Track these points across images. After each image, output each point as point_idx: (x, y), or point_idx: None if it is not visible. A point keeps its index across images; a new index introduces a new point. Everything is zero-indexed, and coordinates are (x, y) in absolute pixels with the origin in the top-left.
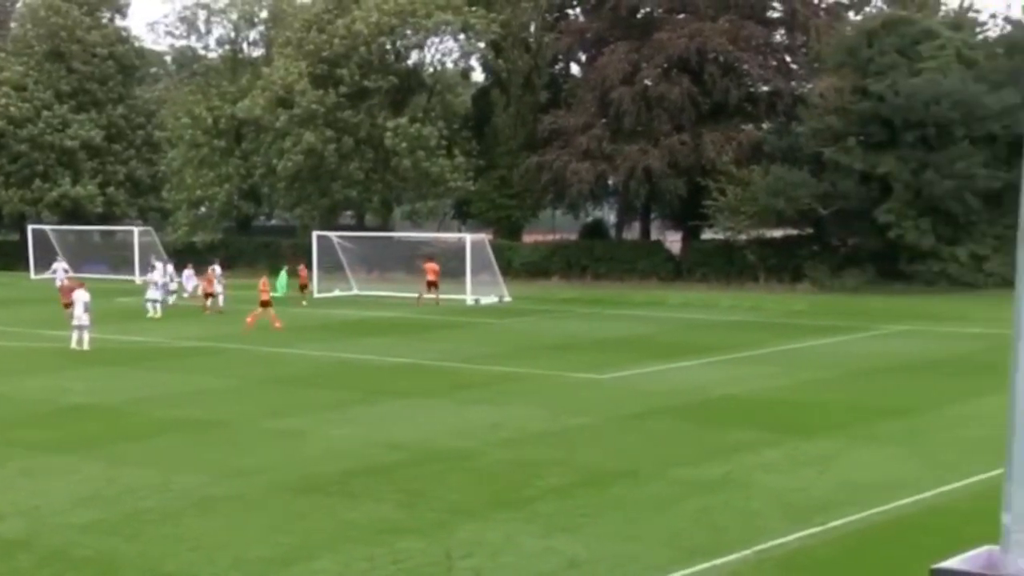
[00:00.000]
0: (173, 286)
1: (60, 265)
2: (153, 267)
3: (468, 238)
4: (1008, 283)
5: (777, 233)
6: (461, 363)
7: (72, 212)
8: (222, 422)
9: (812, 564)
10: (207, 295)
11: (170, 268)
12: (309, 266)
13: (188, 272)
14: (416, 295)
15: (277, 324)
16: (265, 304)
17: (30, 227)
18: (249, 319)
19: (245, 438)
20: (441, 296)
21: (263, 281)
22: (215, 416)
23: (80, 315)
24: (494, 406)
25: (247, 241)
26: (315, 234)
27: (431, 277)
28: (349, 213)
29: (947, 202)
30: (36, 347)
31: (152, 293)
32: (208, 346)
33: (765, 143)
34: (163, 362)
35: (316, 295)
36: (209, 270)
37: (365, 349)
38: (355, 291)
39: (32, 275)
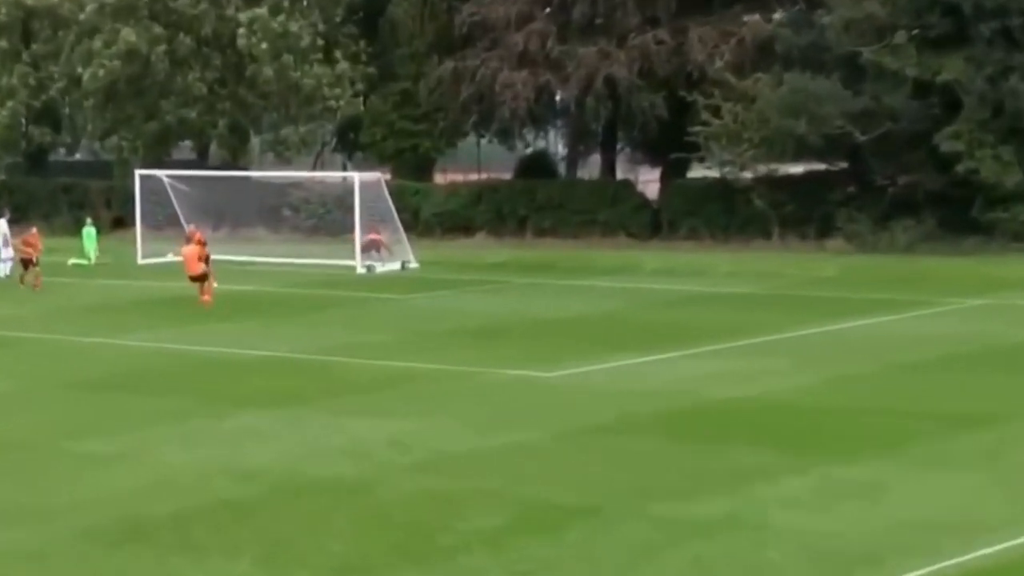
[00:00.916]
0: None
1: None
2: None
3: (356, 179)
4: None
5: (796, 169)
6: (347, 357)
7: None
8: (9, 443)
9: None
10: (26, 261)
11: None
12: (128, 218)
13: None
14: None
15: (38, 284)
16: (28, 263)
17: None
18: (207, 296)
19: (41, 466)
20: (321, 262)
21: (32, 234)
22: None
23: None
24: (393, 417)
25: (40, 184)
26: (138, 173)
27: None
28: (187, 144)
29: None
30: None
31: None
32: None
33: (777, 40)
34: None
35: (141, 260)
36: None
37: (210, 338)
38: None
39: None
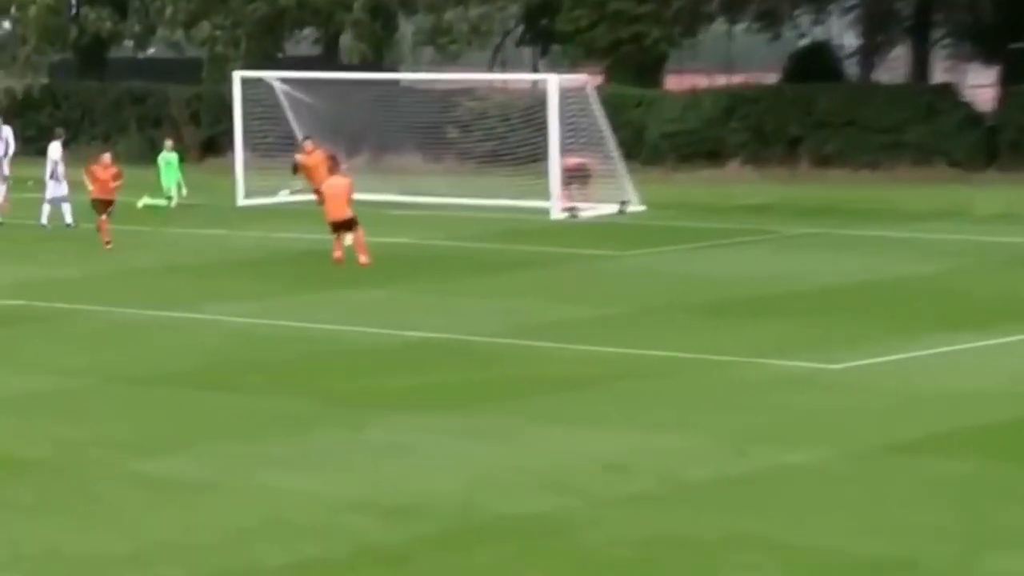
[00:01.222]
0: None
1: None
2: None
3: (553, 84)
4: None
5: None
6: (538, 340)
7: None
8: (57, 463)
9: None
10: (104, 203)
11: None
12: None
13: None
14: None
15: (107, 241)
16: (105, 205)
17: None
18: (365, 255)
19: (100, 497)
20: (502, 203)
21: (104, 161)
22: (38, 454)
23: None
24: (607, 428)
25: (98, 90)
26: (238, 76)
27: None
28: (308, 34)
29: None
30: None
31: None
32: (32, 307)
33: None
34: None
35: (242, 201)
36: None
37: (341, 313)
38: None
39: None
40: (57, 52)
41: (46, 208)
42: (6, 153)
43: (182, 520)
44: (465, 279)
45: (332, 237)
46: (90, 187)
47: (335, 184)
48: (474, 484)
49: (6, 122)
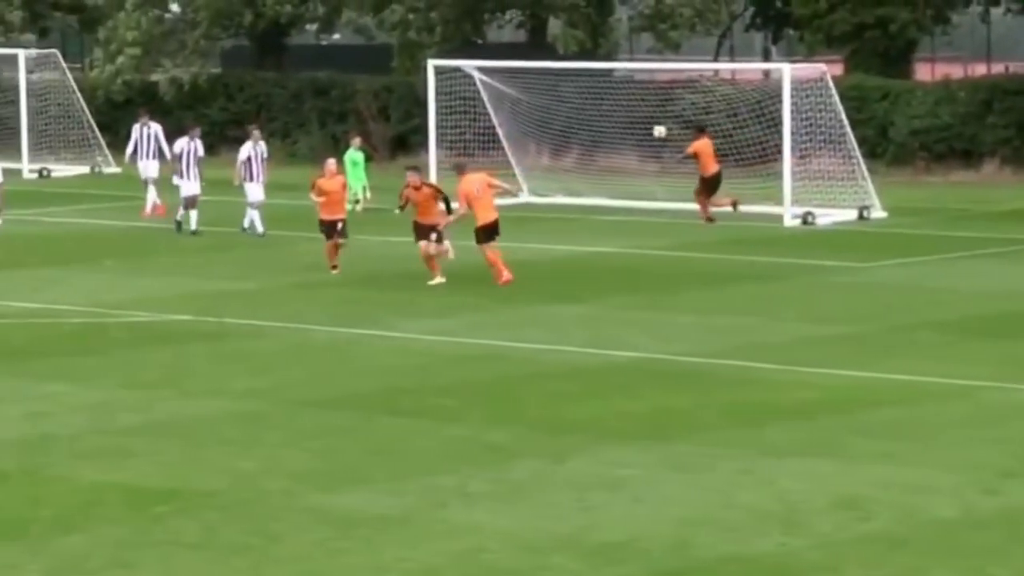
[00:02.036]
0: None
1: None
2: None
3: (786, 74)
4: None
5: None
6: (764, 362)
7: None
8: (227, 497)
9: None
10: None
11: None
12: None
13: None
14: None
15: (333, 266)
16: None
17: None
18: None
19: (277, 535)
20: (718, 205)
21: (330, 170)
22: (208, 485)
23: None
24: (841, 459)
25: (276, 81)
26: (432, 65)
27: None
28: (511, 18)
29: None
30: None
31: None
32: (201, 323)
33: None
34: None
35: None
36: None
37: (538, 329)
38: (523, 193)
39: None
40: (230, 38)
41: (254, 214)
42: (151, 154)
43: (368, 560)
44: (682, 293)
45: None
46: (316, 201)
47: (472, 180)
48: (689, 521)
49: (152, 118)
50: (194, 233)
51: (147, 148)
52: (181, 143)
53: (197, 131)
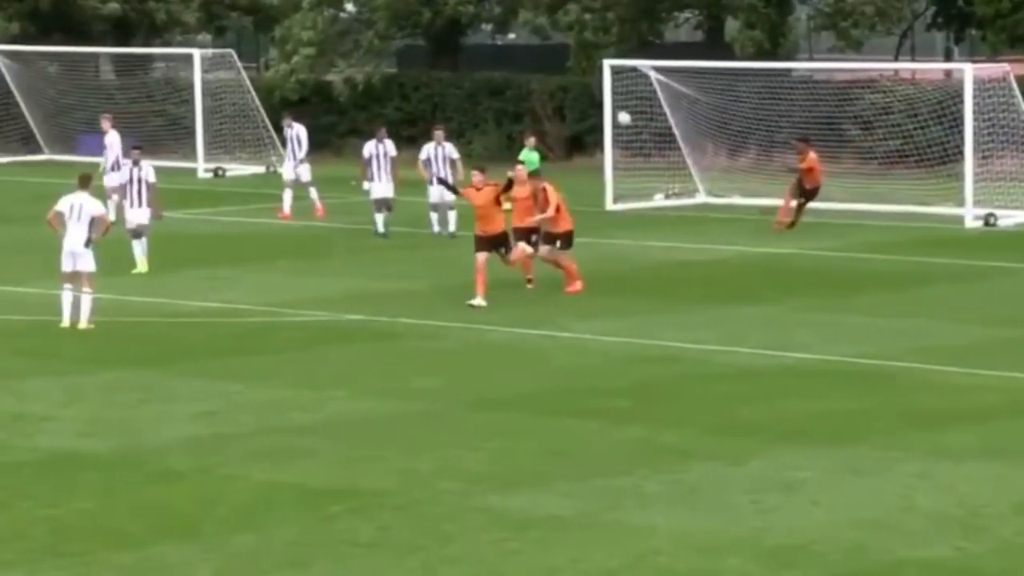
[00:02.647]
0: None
1: None
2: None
3: (968, 74)
4: None
5: None
6: (945, 365)
7: None
8: (401, 498)
9: None
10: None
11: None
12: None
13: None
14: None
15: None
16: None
17: None
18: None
19: (449, 537)
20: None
21: (476, 183)
22: (381, 485)
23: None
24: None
25: (452, 81)
26: (608, 65)
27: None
28: (686, 18)
29: None
30: None
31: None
32: (373, 322)
33: None
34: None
35: (611, 206)
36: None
37: (713, 329)
38: (700, 194)
39: None
40: (405, 38)
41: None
42: (295, 156)
43: (541, 562)
44: (860, 295)
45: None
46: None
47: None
48: (866, 524)
49: (297, 119)
50: (383, 235)
51: (289, 150)
52: (369, 147)
53: (383, 132)
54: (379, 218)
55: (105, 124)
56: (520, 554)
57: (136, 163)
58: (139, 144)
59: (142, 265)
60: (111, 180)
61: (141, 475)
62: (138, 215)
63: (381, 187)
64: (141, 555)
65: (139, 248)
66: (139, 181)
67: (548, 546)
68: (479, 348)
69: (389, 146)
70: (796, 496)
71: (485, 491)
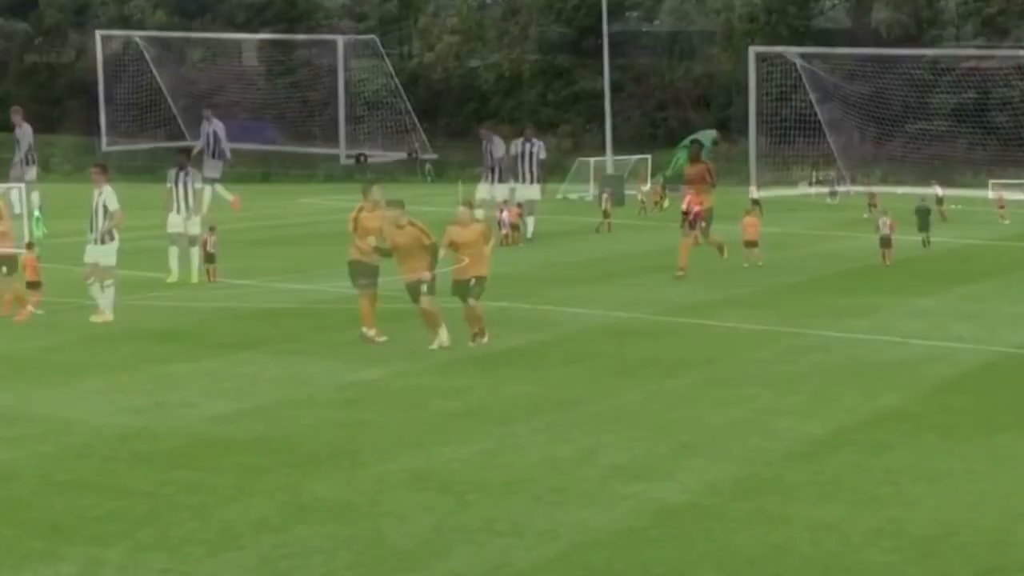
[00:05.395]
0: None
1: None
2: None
3: None
4: None
5: None
6: None
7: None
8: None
9: None
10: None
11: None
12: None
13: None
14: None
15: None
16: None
17: None
18: None
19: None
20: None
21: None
22: None
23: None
24: None
25: (595, 68)
26: (754, 51)
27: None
28: (832, 4)
29: None
30: None
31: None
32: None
33: None
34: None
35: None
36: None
37: (862, 320)
38: (845, 182)
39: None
40: (550, 25)
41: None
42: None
43: (681, 553)
44: (1017, 284)
45: None
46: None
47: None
48: (1011, 515)
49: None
50: (527, 241)
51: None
52: (516, 144)
53: (531, 131)
54: (530, 221)
55: (16, 117)
56: (658, 543)
57: (183, 168)
58: (187, 148)
59: (192, 275)
60: (29, 174)
61: (283, 460)
62: (192, 224)
63: (527, 190)
64: (281, 538)
65: (186, 256)
66: (186, 187)
67: (687, 535)
68: None
69: (539, 146)
70: (939, 486)
71: (620, 479)
